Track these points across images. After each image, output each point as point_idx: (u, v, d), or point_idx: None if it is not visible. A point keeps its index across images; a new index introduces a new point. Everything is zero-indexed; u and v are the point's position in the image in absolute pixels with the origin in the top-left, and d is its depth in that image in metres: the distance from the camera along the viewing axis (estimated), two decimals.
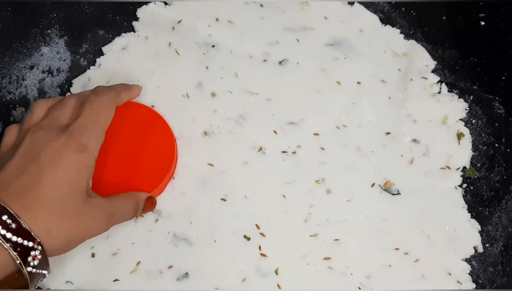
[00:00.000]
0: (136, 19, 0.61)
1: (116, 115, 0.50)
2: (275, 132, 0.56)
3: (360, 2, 0.61)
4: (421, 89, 0.58)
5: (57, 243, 0.41)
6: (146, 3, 0.61)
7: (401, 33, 0.60)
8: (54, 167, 0.42)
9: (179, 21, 0.60)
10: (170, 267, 0.51)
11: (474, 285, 0.51)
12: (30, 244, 0.39)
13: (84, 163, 0.44)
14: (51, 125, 0.45)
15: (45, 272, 0.41)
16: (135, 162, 0.51)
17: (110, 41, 0.60)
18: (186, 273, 0.51)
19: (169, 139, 0.53)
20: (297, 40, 0.60)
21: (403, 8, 0.61)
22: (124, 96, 0.51)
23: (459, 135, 0.56)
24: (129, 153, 0.51)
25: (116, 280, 0.51)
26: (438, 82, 0.58)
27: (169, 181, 0.54)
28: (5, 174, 0.41)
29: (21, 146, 0.43)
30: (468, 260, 0.52)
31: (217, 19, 0.60)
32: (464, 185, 0.55)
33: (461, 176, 0.55)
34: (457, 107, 0.57)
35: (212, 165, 0.54)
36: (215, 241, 0.52)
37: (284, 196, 0.53)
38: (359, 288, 0.51)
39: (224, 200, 0.53)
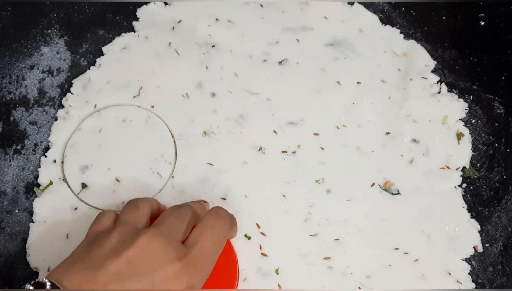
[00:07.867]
0: (136, 19, 0.61)
1: None
2: (275, 132, 0.56)
3: (360, 2, 0.61)
4: (421, 89, 0.58)
5: None
6: (146, 3, 0.61)
7: (401, 33, 0.60)
8: None
9: (179, 21, 0.60)
10: None
11: (473, 285, 0.51)
12: None
13: None
14: (169, 234, 0.42)
15: None
16: None
17: (110, 41, 0.60)
18: None
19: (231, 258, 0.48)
20: (297, 40, 0.60)
21: (403, 8, 0.61)
22: (235, 231, 0.47)
23: (459, 135, 0.56)
24: None
25: None
26: (438, 82, 0.58)
27: None
28: (106, 274, 0.38)
29: (132, 246, 0.40)
30: (467, 260, 0.52)
31: (217, 19, 0.60)
32: (464, 185, 0.55)
33: (460, 176, 0.55)
34: (457, 107, 0.57)
35: (211, 164, 0.54)
36: None
37: (284, 196, 0.53)
38: (359, 288, 0.51)
39: (224, 199, 0.53)
